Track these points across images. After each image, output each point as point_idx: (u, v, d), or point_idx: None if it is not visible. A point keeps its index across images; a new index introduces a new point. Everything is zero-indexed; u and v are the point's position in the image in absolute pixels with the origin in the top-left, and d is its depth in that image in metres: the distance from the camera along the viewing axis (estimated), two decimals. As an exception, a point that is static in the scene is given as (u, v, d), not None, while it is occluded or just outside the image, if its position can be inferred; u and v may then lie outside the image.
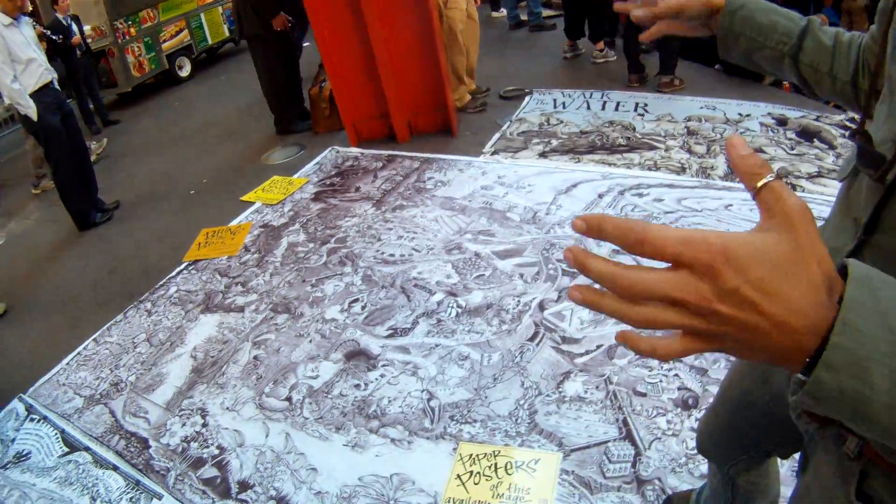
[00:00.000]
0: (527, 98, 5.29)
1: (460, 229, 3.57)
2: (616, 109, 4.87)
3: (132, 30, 7.99)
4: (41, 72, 4.33)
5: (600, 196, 3.68)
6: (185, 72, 8.92)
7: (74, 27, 6.73)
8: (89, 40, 7.29)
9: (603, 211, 3.50)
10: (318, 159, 4.90)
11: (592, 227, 0.44)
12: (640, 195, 3.64)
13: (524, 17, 8.22)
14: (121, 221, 4.74)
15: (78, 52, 6.79)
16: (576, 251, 0.44)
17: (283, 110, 5.60)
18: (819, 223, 0.50)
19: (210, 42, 9.34)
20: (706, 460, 1.56)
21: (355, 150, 4.91)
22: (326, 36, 4.59)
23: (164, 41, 8.53)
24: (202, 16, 9.13)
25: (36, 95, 4.28)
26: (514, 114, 5.02)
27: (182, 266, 3.82)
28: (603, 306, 0.44)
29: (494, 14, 9.35)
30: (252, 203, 4.41)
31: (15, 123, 7.35)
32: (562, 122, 4.75)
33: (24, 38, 4.23)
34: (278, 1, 5.10)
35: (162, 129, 6.43)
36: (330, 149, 5.00)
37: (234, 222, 4.21)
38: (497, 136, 4.69)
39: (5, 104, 4.52)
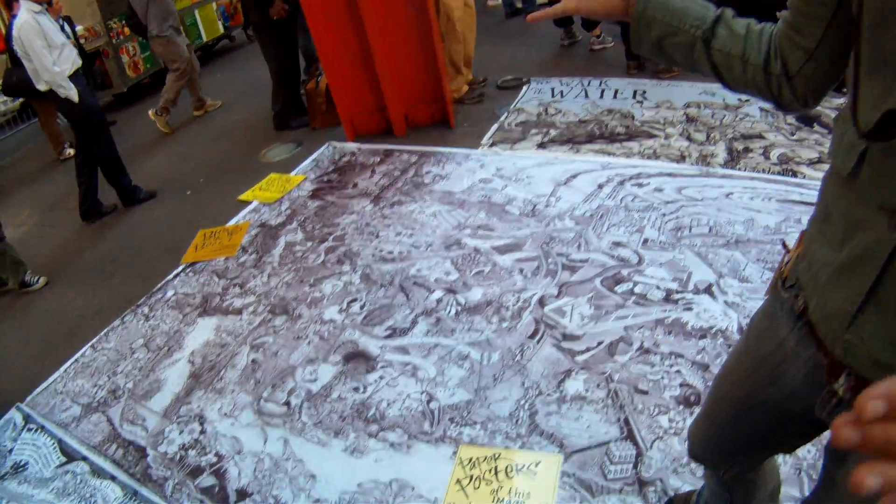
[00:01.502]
0: (524, 88, 5.23)
1: (459, 224, 3.53)
2: (615, 97, 4.81)
3: (126, 29, 7.92)
4: (74, 56, 4.46)
5: (600, 187, 3.63)
6: (180, 71, 8.81)
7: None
8: (82, 41, 7.24)
9: (603, 202, 3.45)
10: (315, 155, 4.85)
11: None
12: (640, 185, 3.59)
13: (520, 4, 8.15)
14: (118, 224, 4.71)
15: None
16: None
17: (290, 99, 5.55)
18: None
19: (205, 39, 9.24)
20: None
21: (352, 146, 4.86)
22: (321, 28, 4.53)
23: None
24: (196, 12, 9.02)
25: (72, 79, 4.37)
26: (511, 104, 4.96)
27: (180, 269, 3.79)
28: None
29: (490, 2, 9.27)
30: (249, 202, 4.38)
31: (15, 126, 7.34)
32: (560, 111, 4.70)
33: (55, 24, 4.39)
34: None
35: (157, 130, 6.38)
36: (327, 144, 4.96)
37: (232, 222, 4.18)
38: (495, 127, 4.63)
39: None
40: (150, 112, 6.41)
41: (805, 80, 0.88)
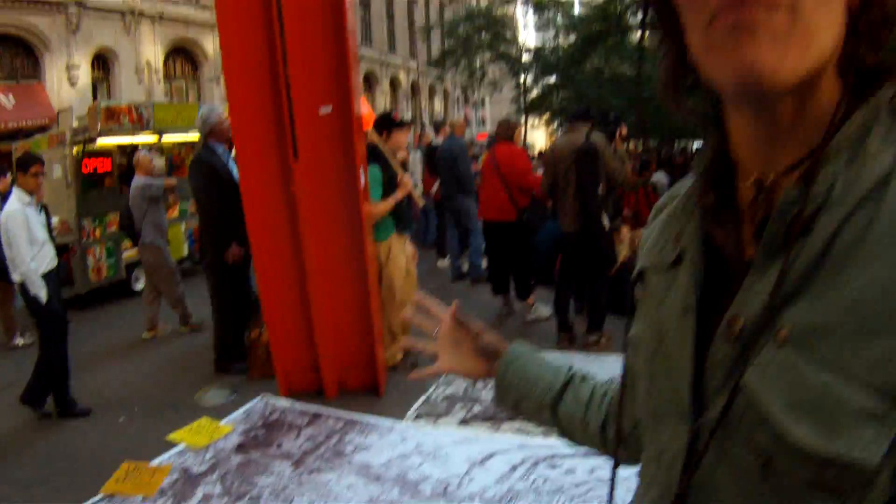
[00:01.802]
0: (456, 359, 5.49)
1: (371, 500, 3.56)
2: (540, 372, 5.07)
3: (97, 231, 8.16)
4: (52, 255, 4.65)
5: (513, 468, 3.73)
6: (139, 285, 8.73)
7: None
8: (55, 232, 7.49)
9: (513, 485, 3.55)
10: (247, 406, 4.91)
11: None
12: (553, 467, 3.71)
13: (465, 269, 8.67)
14: (48, 433, 4.64)
15: None
16: None
17: (227, 345, 5.69)
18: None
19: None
20: None
21: (284, 402, 4.96)
22: (268, 282, 4.85)
23: (126, 250, 8.63)
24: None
25: (44, 277, 4.50)
26: (441, 376, 5.17)
27: (98, 497, 3.68)
28: None
29: (440, 263, 9.83)
30: (177, 443, 4.36)
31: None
32: (487, 385, 4.91)
33: (40, 220, 4.59)
34: (233, 234, 5.33)
35: (106, 342, 6.43)
36: (261, 396, 5.04)
37: (156, 461, 4.11)
38: (422, 399, 4.81)
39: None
40: (179, 328, 6.62)
41: (636, 442, 0.92)
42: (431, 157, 9.10)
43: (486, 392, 4.80)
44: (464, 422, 4.41)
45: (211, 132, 5.53)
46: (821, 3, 0.53)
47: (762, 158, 0.63)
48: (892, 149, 0.55)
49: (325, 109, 4.53)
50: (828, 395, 0.53)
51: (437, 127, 9.93)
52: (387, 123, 5.61)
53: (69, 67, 18.49)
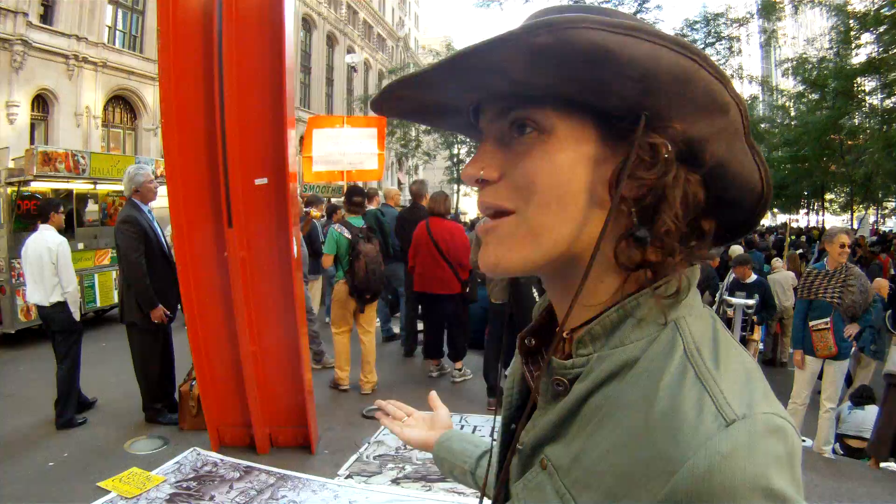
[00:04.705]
0: (388, 419, 5.56)
1: (301, 558, 3.56)
2: (473, 434, 5.17)
3: None
4: None
5: (444, 529, 3.81)
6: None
7: None
8: None
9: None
10: (178, 458, 4.83)
11: None
12: (483, 529, 3.79)
13: (397, 329, 8.78)
14: None
15: None
16: None
17: (152, 399, 5.61)
18: None
19: (98, 304, 9.42)
20: None
21: (215, 456, 4.90)
22: (199, 338, 4.83)
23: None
24: (95, 276, 9.31)
25: None
26: (373, 435, 5.24)
27: None
28: None
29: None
30: (108, 491, 4.25)
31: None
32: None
33: None
34: (159, 295, 5.38)
35: (32, 383, 6.20)
36: (192, 449, 4.97)
37: None
38: (354, 457, 4.84)
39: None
40: None
41: None
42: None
43: (418, 453, 4.87)
44: (395, 481, 4.46)
45: (136, 191, 5.56)
46: (546, 210, 0.68)
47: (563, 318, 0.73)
48: (645, 340, 0.67)
49: (261, 181, 4.62)
50: None
51: (370, 196, 10.13)
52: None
53: (8, 105, 18.16)
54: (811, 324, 5.72)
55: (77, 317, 5.56)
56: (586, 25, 0.58)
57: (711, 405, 0.58)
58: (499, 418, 0.95)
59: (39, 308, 5.57)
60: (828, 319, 5.62)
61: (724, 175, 0.70)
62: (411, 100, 0.78)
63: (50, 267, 5.43)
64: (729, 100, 0.65)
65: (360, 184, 9.07)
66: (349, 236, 6.19)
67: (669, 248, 0.67)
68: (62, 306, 5.47)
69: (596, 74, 0.62)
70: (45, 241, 5.53)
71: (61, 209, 5.94)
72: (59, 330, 5.53)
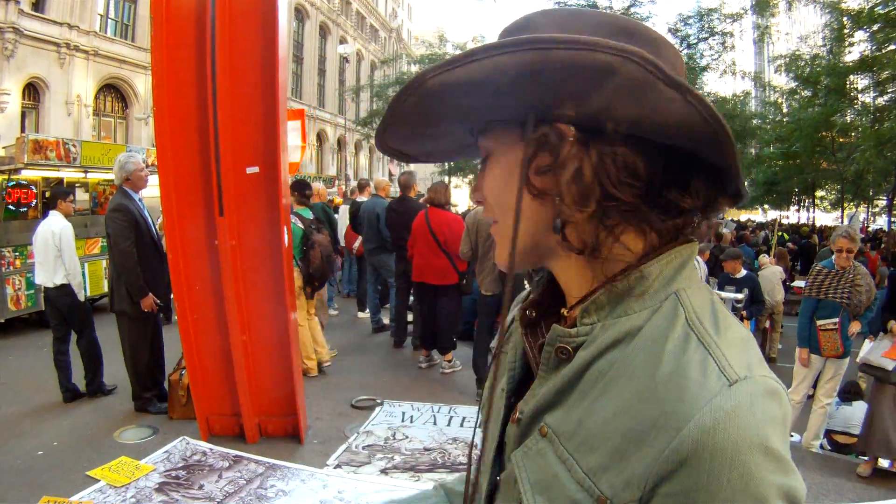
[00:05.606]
0: (377, 409, 5.59)
1: (290, 547, 3.58)
2: (461, 425, 5.23)
3: (18, 262, 8.03)
4: None
5: (432, 519, 3.83)
6: (57, 318, 8.80)
7: None
8: None
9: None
10: (168, 447, 4.83)
11: None
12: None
13: (386, 321, 8.80)
14: None
15: None
16: None
17: (142, 389, 5.61)
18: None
19: (88, 293, 9.39)
20: None
21: (205, 445, 4.91)
22: (189, 331, 4.83)
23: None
24: (86, 265, 9.28)
25: None
26: (362, 426, 5.26)
27: None
28: None
29: (360, 314, 9.97)
30: (97, 480, 4.26)
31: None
32: (407, 437, 5.03)
33: None
34: (149, 283, 5.38)
35: (22, 372, 6.19)
36: (181, 438, 4.98)
37: (76, 497, 3.99)
38: (343, 448, 4.85)
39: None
40: None
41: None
42: (355, 214, 9.28)
43: (407, 443, 4.90)
44: (384, 471, 4.48)
45: (127, 179, 5.56)
46: (506, 216, 0.79)
47: (568, 295, 0.83)
48: (648, 310, 0.71)
49: (252, 170, 4.62)
50: (556, 483, 0.70)
51: (361, 186, 10.11)
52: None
53: (-1, 93, 18.07)
54: (819, 323, 5.70)
55: (81, 297, 5.83)
56: (434, 73, 0.69)
57: (715, 367, 0.63)
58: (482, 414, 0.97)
59: (45, 290, 5.83)
60: (836, 320, 5.61)
61: (652, 130, 0.68)
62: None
63: (53, 250, 5.69)
64: (607, 59, 0.62)
65: (363, 176, 9.15)
66: (302, 226, 6.29)
67: (586, 230, 0.74)
68: (66, 288, 5.73)
69: (485, 101, 0.72)
70: (51, 225, 5.79)
71: (70, 197, 6.26)
72: (66, 311, 5.79)
